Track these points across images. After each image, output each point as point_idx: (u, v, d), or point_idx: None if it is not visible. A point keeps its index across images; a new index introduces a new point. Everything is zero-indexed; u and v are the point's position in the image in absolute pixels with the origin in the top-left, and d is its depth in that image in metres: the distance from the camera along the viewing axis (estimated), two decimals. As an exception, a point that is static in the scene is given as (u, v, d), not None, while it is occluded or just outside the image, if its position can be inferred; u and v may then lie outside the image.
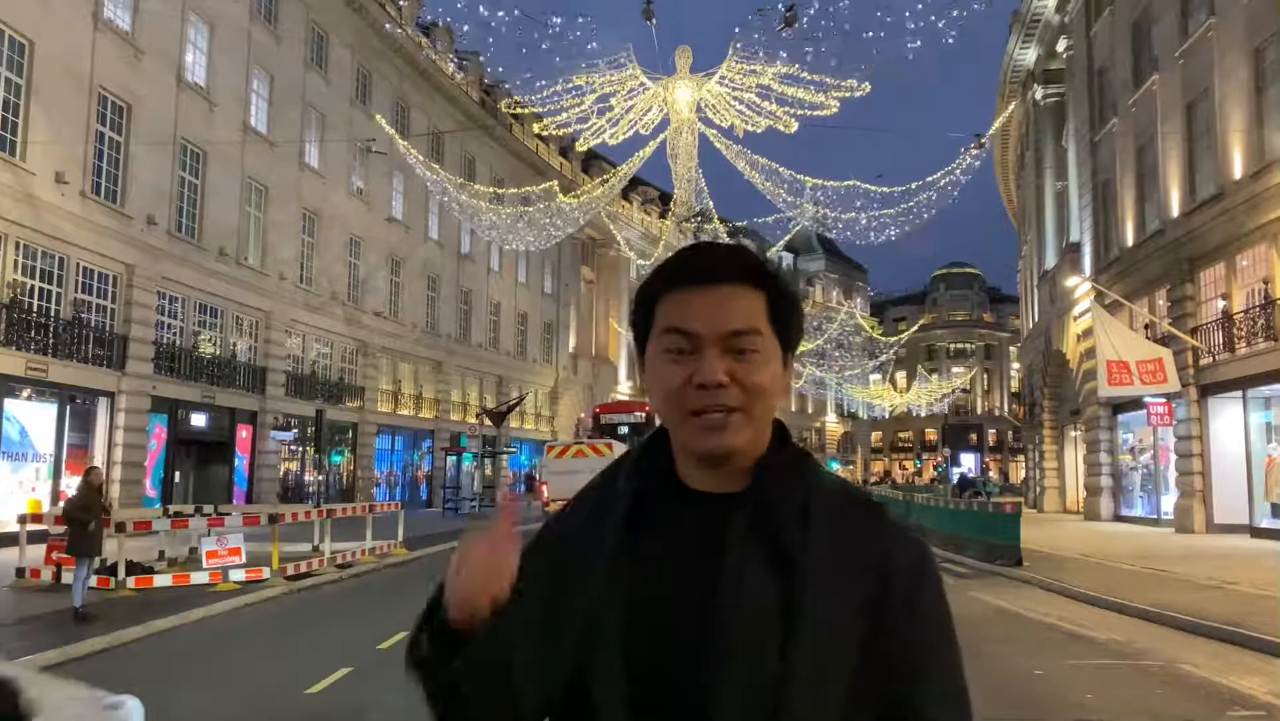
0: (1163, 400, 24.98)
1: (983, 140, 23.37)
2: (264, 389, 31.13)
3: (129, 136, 24.66)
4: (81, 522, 11.44)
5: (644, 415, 38.28)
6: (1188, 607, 11.23)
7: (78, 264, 23.18)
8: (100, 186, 23.85)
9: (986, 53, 50.11)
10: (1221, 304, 23.47)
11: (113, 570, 13.70)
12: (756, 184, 22.33)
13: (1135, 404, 27.38)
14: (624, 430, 36.95)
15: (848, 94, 19.01)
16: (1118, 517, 30.33)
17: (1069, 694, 7.79)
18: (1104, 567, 16.25)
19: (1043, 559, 17.25)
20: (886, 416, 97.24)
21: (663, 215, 52.75)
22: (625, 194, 63.82)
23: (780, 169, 22.13)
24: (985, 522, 18.28)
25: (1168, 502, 26.88)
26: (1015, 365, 74.70)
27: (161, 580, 13.99)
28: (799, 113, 19.80)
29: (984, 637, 10.34)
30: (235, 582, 14.11)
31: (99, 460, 24.14)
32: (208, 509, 18.76)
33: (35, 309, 21.89)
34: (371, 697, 8.02)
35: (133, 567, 14.24)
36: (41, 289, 22.15)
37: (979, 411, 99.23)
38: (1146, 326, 27.17)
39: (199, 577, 14.14)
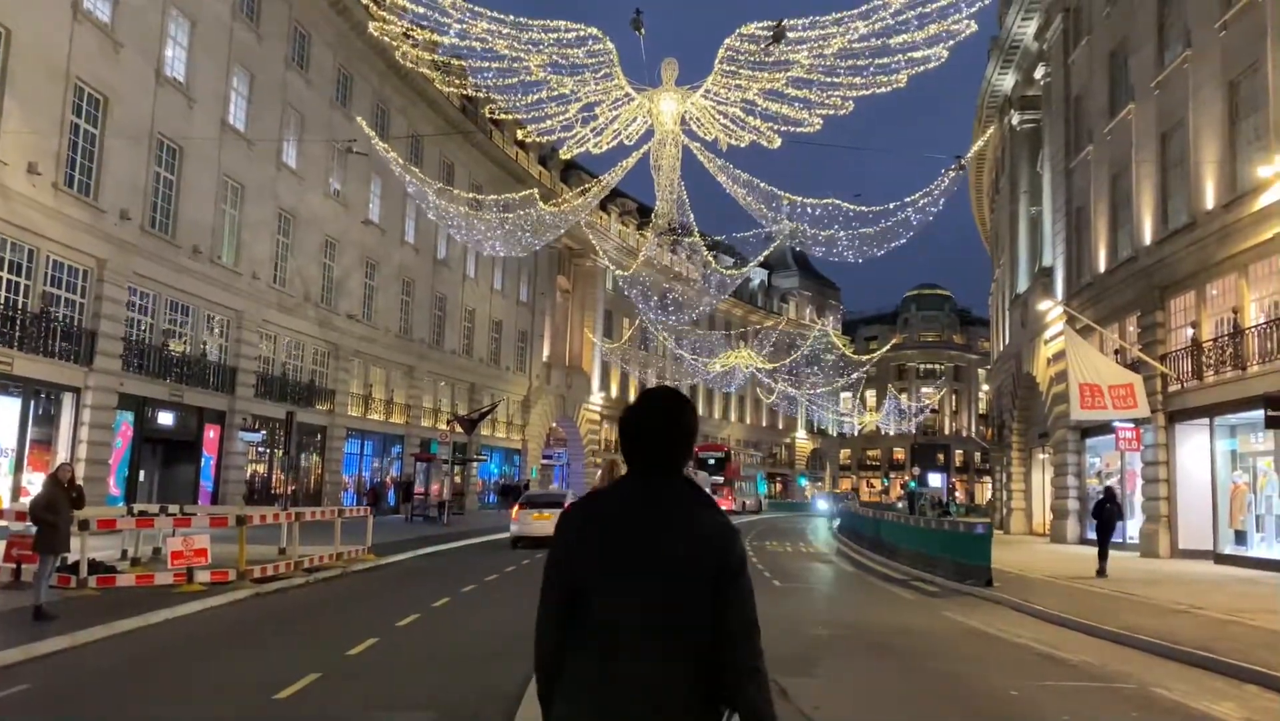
0: (1131, 425, 25.21)
1: (962, 162, 23.54)
2: (234, 389, 30.78)
3: (104, 129, 24.35)
4: (48, 521, 11.21)
5: (725, 452, 62.88)
6: (1157, 631, 11.32)
7: (48, 256, 22.83)
8: (73, 179, 23.52)
9: (965, 76, 50.73)
10: (1191, 332, 23.77)
11: (74, 568, 13.44)
12: (738, 198, 22.39)
13: (1103, 428, 27.63)
14: (711, 461, 59.15)
15: (831, 112, 19.11)
16: (1084, 540, 30.51)
17: (1045, 715, 7.81)
18: (1073, 590, 16.35)
19: (1012, 580, 17.35)
20: (856, 434, 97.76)
21: (641, 227, 52.85)
22: (604, 205, 63.88)
23: (761, 184, 22.21)
24: (956, 542, 18.37)
25: (1133, 527, 27.09)
26: (985, 387, 75.26)
27: (124, 580, 13.73)
28: (782, 129, 19.89)
29: (958, 656, 10.37)
30: (201, 584, 13.88)
31: (63, 456, 23.78)
32: (173, 508, 18.50)
33: (2, 301, 21.51)
34: (341, 703, 7.90)
35: (95, 566, 13.98)
36: (9, 280, 21.78)
37: (947, 432, 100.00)
38: (1117, 352, 27.47)
39: (163, 578, 13.90)
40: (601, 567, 2.44)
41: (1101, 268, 28.97)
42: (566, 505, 3.27)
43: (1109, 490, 21.34)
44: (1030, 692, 8.51)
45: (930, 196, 22.93)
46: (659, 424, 2.57)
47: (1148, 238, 25.54)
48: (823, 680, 9.02)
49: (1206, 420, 23.31)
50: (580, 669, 2.41)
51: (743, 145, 19.93)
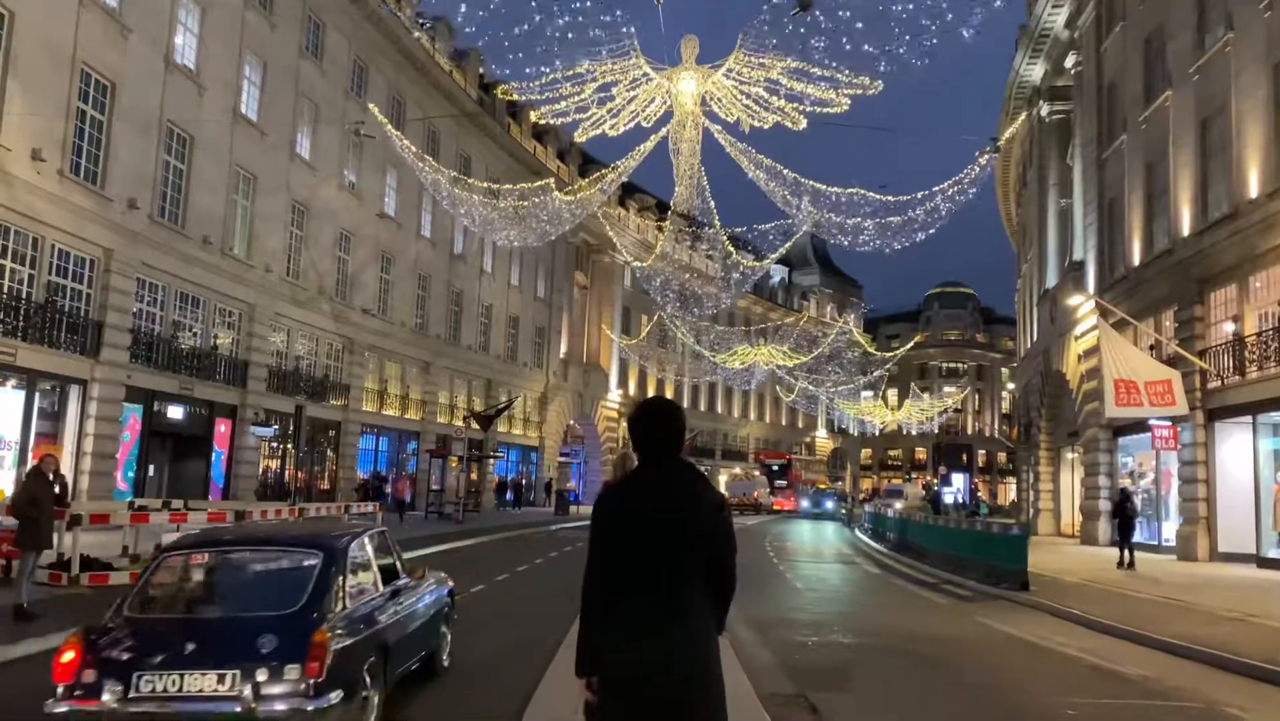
0: (1168, 423, 24.30)
1: (999, 144, 22.68)
2: (245, 383, 30.25)
3: (112, 116, 23.83)
4: (29, 516, 10.61)
5: (787, 460, 72.83)
6: (1212, 641, 10.49)
7: (53, 245, 22.31)
8: (80, 166, 23.00)
9: (991, 69, 49.71)
10: (1232, 326, 22.84)
11: (67, 565, 12.86)
12: (760, 183, 21.59)
13: (1137, 427, 26.75)
14: (775, 467, 69.67)
15: (859, 91, 18.30)
16: (1114, 542, 29.61)
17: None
18: (1113, 594, 15.52)
19: (1047, 583, 16.52)
20: (877, 434, 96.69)
21: (659, 223, 52.05)
22: (622, 200, 63.23)
23: (783, 170, 21.40)
24: (988, 544, 17.53)
25: (1169, 529, 26.23)
26: (1010, 386, 74.11)
27: (118, 578, 13.10)
28: (808, 109, 19.06)
29: (1000, 667, 9.58)
30: (197, 583, 13.23)
31: (69, 449, 23.34)
32: (177, 504, 17.95)
33: (5, 290, 21.02)
34: None
35: (89, 563, 13.39)
36: (13, 270, 21.27)
37: (969, 432, 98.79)
38: (1152, 347, 26.54)
39: (158, 576, 13.28)
40: (638, 530, 3.48)
41: (1136, 261, 28.02)
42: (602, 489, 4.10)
43: (1124, 491, 23.03)
44: (1089, 712, 7.70)
45: (961, 185, 22.07)
46: (664, 423, 3.64)
47: (1186, 229, 24.60)
48: (857, 696, 8.28)
49: (1249, 418, 22.38)
50: (624, 603, 3.44)
51: (766, 126, 19.17)
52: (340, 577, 6.32)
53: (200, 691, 5.47)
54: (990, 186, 49.86)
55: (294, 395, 31.65)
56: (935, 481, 76.76)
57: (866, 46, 17.35)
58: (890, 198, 24.23)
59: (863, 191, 24.09)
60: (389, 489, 33.99)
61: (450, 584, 9.15)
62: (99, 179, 23.55)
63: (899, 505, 43.75)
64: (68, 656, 5.59)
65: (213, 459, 29.30)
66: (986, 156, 21.89)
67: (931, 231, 23.17)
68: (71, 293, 23.17)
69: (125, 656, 5.58)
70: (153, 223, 25.50)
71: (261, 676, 5.49)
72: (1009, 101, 42.29)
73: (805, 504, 61.30)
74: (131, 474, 25.87)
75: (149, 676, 5.51)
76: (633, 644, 3.36)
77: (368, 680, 6.21)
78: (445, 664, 8.61)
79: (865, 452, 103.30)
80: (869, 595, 17.23)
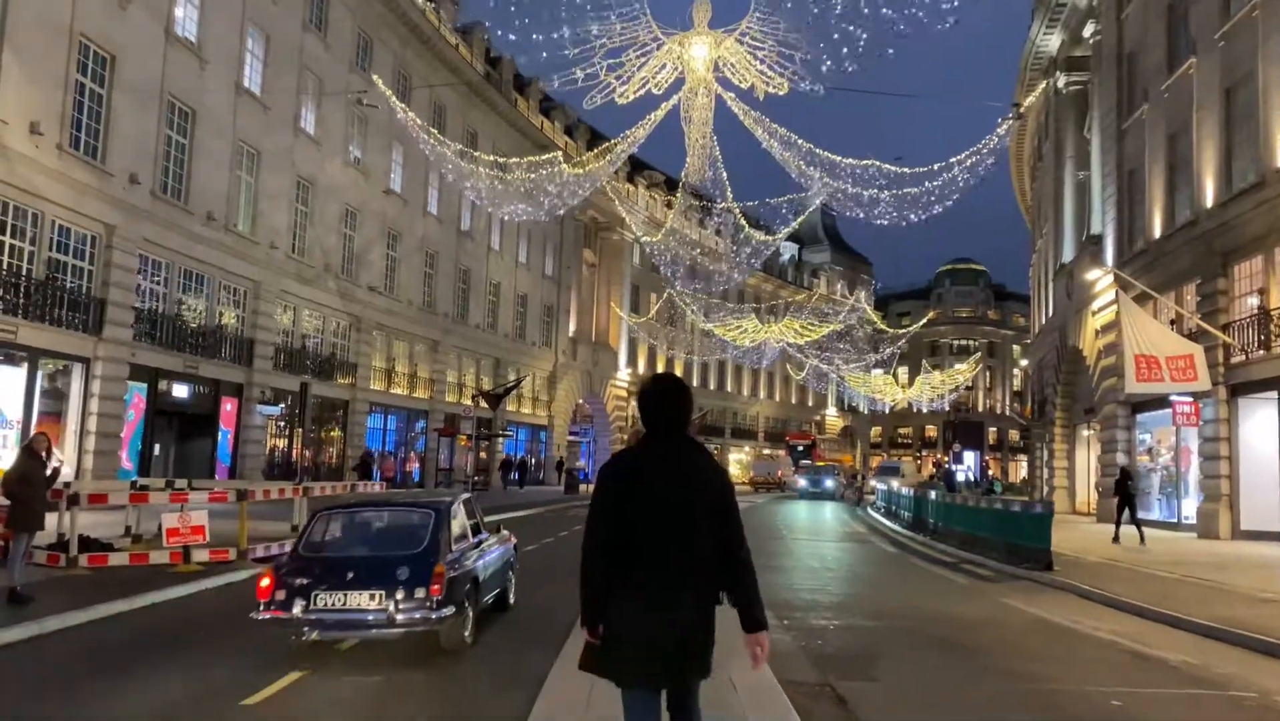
0: (1189, 399, 23.81)
1: (1020, 110, 22.05)
2: (251, 361, 29.88)
3: (112, 89, 23.35)
4: (20, 496, 10.23)
5: (811, 441, 75.70)
6: (1255, 625, 10.03)
7: (53, 221, 21.91)
8: (79, 140, 22.56)
9: (1005, 43, 48.85)
10: (1257, 299, 22.29)
11: (66, 546, 12.51)
12: (774, 153, 21.00)
13: (1156, 403, 26.28)
14: (800, 448, 71.69)
15: (876, 53, 17.72)
16: (1131, 521, 29.16)
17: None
18: (1140, 575, 15.07)
19: (1069, 563, 16.07)
20: (887, 411, 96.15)
21: (669, 198, 51.30)
22: (631, 177, 62.53)
23: (797, 139, 20.77)
24: (1011, 523, 17.06)
25: (1189, 506, 25.80)
26: (1023, 362, 73.43)
27: (118, 559, 12.75)
28: (824, 70, 18.41)
29: (1036, 655, 9.11)
30: (198, 564, 12.89)
31: (72, 428, 23.04)
32: (180, 482, 17.62)
33: (5, 267, 20.63)
34: (316, 711, 6.82)
35: (89, 544, 13.04)
36: (12, 246, 20.89)
37: (980, 409, 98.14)
38: (1173, 322, 25.96)
39: (159, 557, 12.93)
40: (647, 505, 3.74)
41: (1157, 233, 27.41)
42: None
43: (1124, 470, 23.59)
44: (1135, 702, 7.23)
45: (979, 154, 21.45)
46: (674, 400, 3.91)
47: (1209, 200, 23.98)
48: (885, 685, 7.83)
49: (1274, 393, 21.86)
50: (634, 574, 3.72)
51: (782, 93, 18.58)
52: (447, 528, 8.64)
53: (359, 606, 7.82)
54: (1004, 162, 49.09)
55: (301, 374, 31.28)
56: (947, 459, 76.27)
57: (885, 10, 16.78)
58: (906, 169, 23.60)
59: (878, 163, 23.50)
60: (376, 468, 33.57)
61: (514, 540, 11.56)
62: (99, 153, 23.11)
63: (895, 483, 42.80)
64: (265, 582, 7.96)
65: (219, 438, 28.98)
66: (1007, 124, 21.27)
67: (949, 203, 22.58)
68: (73, 270, 22.79)
69: (305, 581, 7.90)
70: (155, 198, 25.07)
71: (400, 595, 7.85)
72: (1024, 73, 41.48)
73: (802, 482, 53.87)
74: (137, 453, 25.55)
75: (323, 594, 7.83)
76: (644, 614, 3.69)
77: (466, 602, 8.55)
78: (511, 600, 10.98)
79: (875, 431, 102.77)
80: (887, 575, 16.81)
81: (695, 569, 3.71)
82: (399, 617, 7.75)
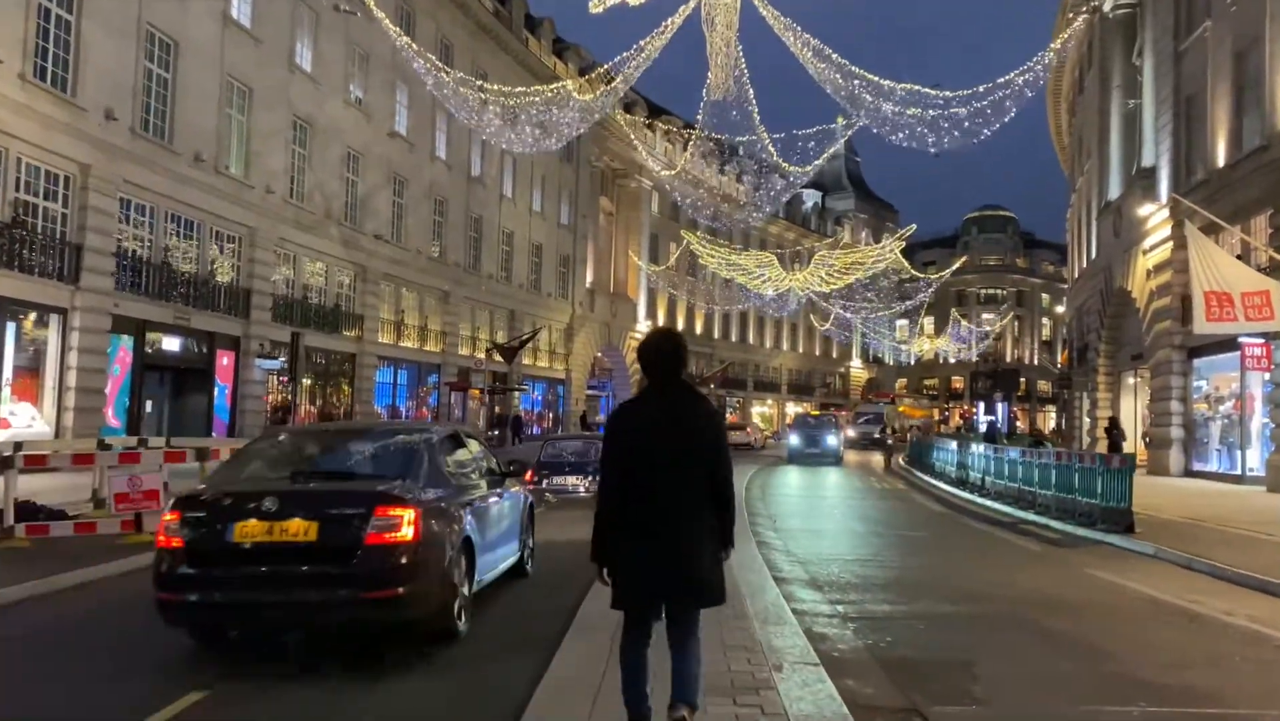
0: (1261, 340, 21.77)
1: (1078, 22, 19.77)
2: (248, 313, 28.19)
3: (81, 16, 21.43)
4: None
5: (890, 399, 73.94)
6: None
7: (18, 158, 20.13)
8: (46, 71, 20.71)
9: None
10: (1340, 229, 20.15)
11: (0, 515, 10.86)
12: (807, 65, 18.92)
13: (1216, 346, 24.32)
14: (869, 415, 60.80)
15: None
16: (1189, 472, 27.27)
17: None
18: (1237, 537, 13.19)
19: (1148, 523, 14.14)
20: (913, 363, 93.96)
21: (688, 131, 48.80)
22: (648, 123, 60.17)
23: (832, 53, 18.68)
24: (1081, 479, 15.15)
25: (1253, 457, 23.87)
26: (1059, 309, 70.87)
27: (61, 528, 11.07)
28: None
29: (1172, 657, 6.95)
30: (151, 533, 11.20)
31: (50, 384, 21.46)
32: (155, 441, 15.99)
33: (-34, 208, 18.94)
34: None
35: (31, 512, 11.39)
36: (-27, 185, 19.18)
37: (1009, 359, 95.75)
38: (1239, 256, 23.82)
39: (108, 526, 11.27)
40: (649, 444, 4.22)
41: (1221, 161, 25.15)
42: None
43: (1112, 419, 25.53)
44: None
45: (1032, 71, 19.30)
46: (670, 352, 4.39)
47: (1286, 121, 21.74)
48: (998, 711, 5.73)
49: (1359, 334, 19.80)
50: (638, 512, 4.18)
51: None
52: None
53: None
54: (1039, 99, 46.43)
55: (304, 326, 29.54)
56: (974, 410, 74.08)
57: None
58: (948, 93, 21.47)
59: (918, 87, 21.36)
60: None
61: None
62: (69, 86, 21.27)
63: (875, 432, 39.67)
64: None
65: (215, 394, 27.38)
66: (1062, 38, 19.03)
67: (997, 126, 20.43)
68: (45, 212, 21.05)
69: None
70: (135, 136, 23.24)
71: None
72: (1065, 3, 38.84)
73: (795, 441, 39.04)
74: (125, 410, 23.99)
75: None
76: (637, 543, 4.18)
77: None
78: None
79: (900, 382, 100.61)
80: (943, 540, 14.97)
81: (688, 506, 4.20)
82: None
